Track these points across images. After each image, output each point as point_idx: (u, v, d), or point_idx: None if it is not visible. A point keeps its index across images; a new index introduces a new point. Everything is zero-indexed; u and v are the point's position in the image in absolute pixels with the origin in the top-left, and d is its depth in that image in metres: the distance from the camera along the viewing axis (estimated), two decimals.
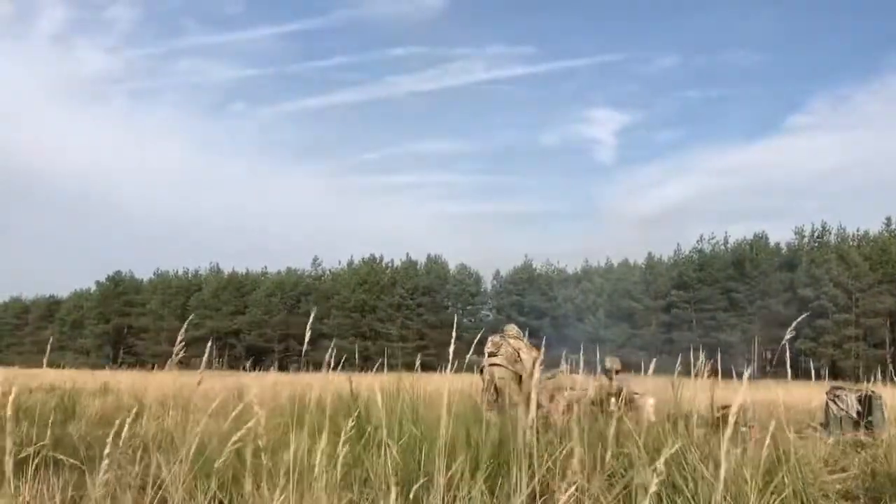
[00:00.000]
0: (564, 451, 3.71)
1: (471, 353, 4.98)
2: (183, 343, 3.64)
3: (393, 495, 2.25)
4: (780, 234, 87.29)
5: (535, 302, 74.73)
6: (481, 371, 8.47)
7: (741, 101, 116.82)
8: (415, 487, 3.30)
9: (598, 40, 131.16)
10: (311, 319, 3.80)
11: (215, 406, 4.17)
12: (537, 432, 4.00)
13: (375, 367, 7.13)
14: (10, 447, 2.44)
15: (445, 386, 3.77)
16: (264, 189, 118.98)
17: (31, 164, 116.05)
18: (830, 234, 69.93)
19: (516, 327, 8.81)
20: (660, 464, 1.68)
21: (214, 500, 3.68)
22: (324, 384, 6.77)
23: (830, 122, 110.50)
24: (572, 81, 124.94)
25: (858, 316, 62.39)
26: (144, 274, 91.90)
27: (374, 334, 74.17)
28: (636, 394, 8.57)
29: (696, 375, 5.48)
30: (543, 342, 5.56)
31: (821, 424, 10.09)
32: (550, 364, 8.75)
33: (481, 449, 3.92)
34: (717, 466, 3.72)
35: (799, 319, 4.00)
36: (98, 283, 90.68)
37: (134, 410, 3.50)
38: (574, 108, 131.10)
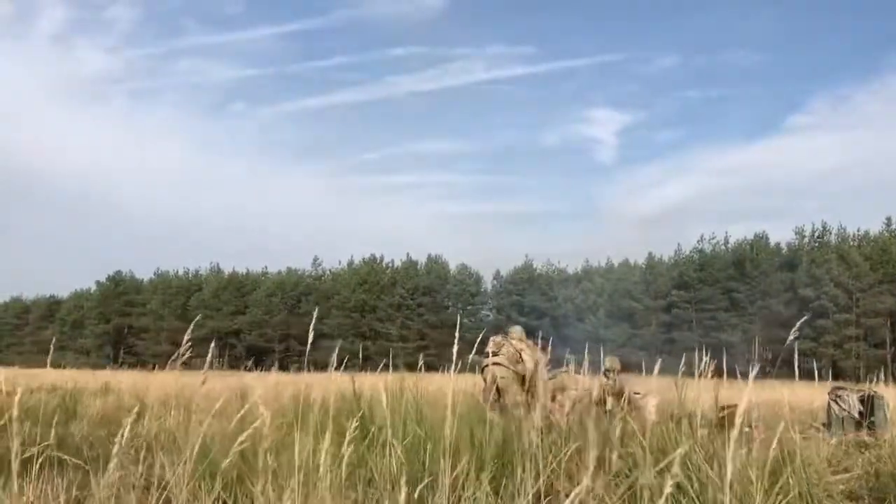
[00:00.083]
0: (569, 452, 3.70)
1: (473, 353, 4.97)
2: (190, 343, 3.64)
3: (403, 496, 2.25)
4: (781, 234, 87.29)
5: (535, 302, 74.74)
6: (482, 371, 8.47)
7: (741, 101, 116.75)
8: (419, 487, 3.30)
9: (599, 40, 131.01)
10: (313, 320, 3.79)
11: (218, 406, 4.16)
12: (541, 432, 4.00)
13: (380, 367, 7.13)
14: (18, 448, 2.43)
15: (450, 386, 3.77)
16: (264, 189, 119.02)
17: (31, 164, 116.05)
18: (831, 234, 70.01)
19: (521, 329, 8.81)
20: (675, 467, 1.67)
21: (218, 501, 3.68)
22: (326, 384, 6.77)
23: (830, 122, 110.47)
24: (572, 81, 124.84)
25: (859, 316, 62.40)
26: (145, 274, 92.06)
27: (374, 334, 74.18)
28: (637, 394, 8.58)
29: (700, 375, 5.47)
30: (550, 343, 5.56)
31: (823, 424, 10.09)
32: (554, 364, 8.75)
33: (485, 449, 3.92)
34: (721, 467, 3.72)
35: (802, 320, 4.00)
36: (98, 283, 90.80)
37: (135, 410, 3.49)
38: (574, 108, 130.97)
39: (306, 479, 3.12)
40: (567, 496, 2.90)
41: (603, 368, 8.79)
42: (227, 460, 2.70)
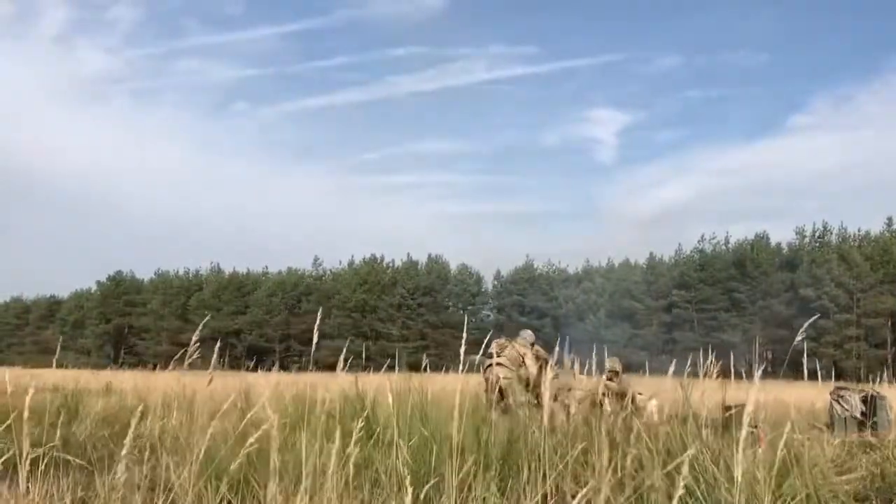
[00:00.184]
0: (575, 454, 3.70)
1: (480, 353, 4.96)
2: (198, 344, 3.63)
3: (409, 498, 2.24)
4: (781, 234, 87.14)
5: (536, 302, 74.73)
6: (484, 371, 8.47)
7: (742, 101, 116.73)
8: (426, 488, 3.29)
9: (599, 40, 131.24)
10: (317, 320, 3.79)
11: (224, 407, 4.16)
12: (546, 433, 3.99)
13: (383, 367, 7.12)
14: (28, 449, 2.43)
15: (457, 387, 3.76)
16: (265, 189, 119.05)
17: (32, 164, 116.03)
18: (831, 234, 70.02)
19: (531, 334, 8.80)
20: (685, 468, 1.66)
21: (224, 502, 3.68)
22: (329, 384, 6.77)
23: (831, 122, 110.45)
24: (573, 81, 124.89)
25: (860, 316, 62.39)
26: (145, 274, 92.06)
27: (374, 334, 74.16)
28: (640, 395, 8.58)
29: (705, 375, 5.47)
30: (557, 346, 5.55)
31: (825, 425, 10.08)
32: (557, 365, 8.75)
33: (491, 449, 3.92)
34: (728, 467, 3.72)
35: (809, 322, 4.00)
36: (99, 282, 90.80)
37: (140, 409, 3.49)
38: (575, 108, 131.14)
39: (313, 480, 3.11)
40: (573, 497, 2.90)
41: (606, 369, 8.78)
42: (237, 462, 2.69)
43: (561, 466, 3.68)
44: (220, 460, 3.60)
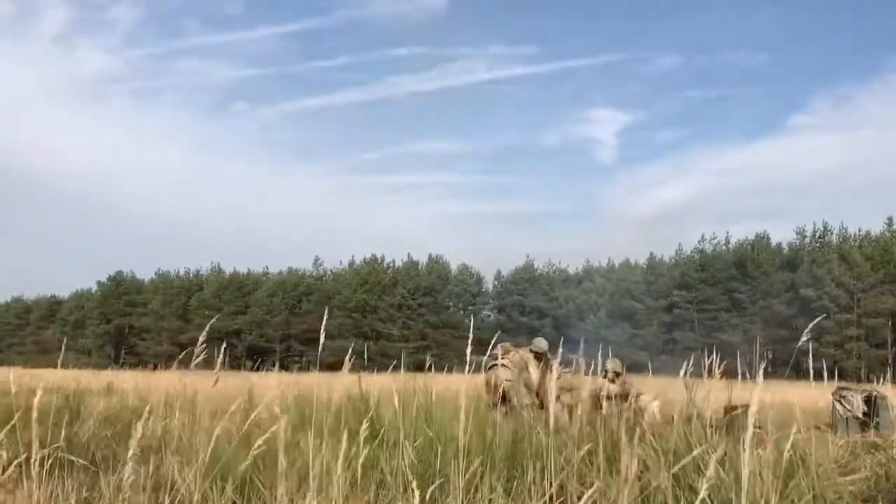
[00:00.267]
0: (581, 454, 3.69)
1: (486, 355, 4.96)
2: (204, 345, 3.63)
3: (417, 500, 2.24)
4: (781, 235, 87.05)
5: (536, 302, 74.71)
6: (487, 371, 8.47)
7: (742, 101, 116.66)
8: (431, 489, 3.29)
9: (599, 40, 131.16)
10: (324, 321, 3.79)
11: (231, 408, 4.16)
12: (550, 434, 3.99)
13: (388, 368, 7.13)
14: (37, 450, 2.43)
15: (461, 387, 3.76)
16: (265, 189, 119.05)
17: (32, 164, 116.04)
18: (832, 234, 69.98)
19: (545, 343, 8.78)
20: (710, 469, 1.66)
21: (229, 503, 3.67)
22: (332, 384, 6.76)
23: (831, 122, 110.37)
24: (573, 81, 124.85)
25: (860, 316, 62.35)
26: (146, 274, 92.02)
27: (375, 334, 74.14)
28: (642, 395, 8.58)
29: (709, 375, 5.46)
30: (561, 347, 5.54)
31: (826, 425, 10.08)
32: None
33: (496, 450, 3.91)
34: (734, 468, 3.72)
35: (814, 323, 4.00)
36: (99, 282, 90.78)
37: (147, 409, 3.49)
38: (575, 108, 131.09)
39: (319, 482, 3.11)
40: (579, 498, 2.90)
41: (609, 370, 8.77)
42: (246, 463, 2.68)
43: (566, 467, 3.68)
44: (225, 461, 3.59)
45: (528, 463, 3.58)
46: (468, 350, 3.77)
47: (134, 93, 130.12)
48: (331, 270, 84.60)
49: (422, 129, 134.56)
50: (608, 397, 7.03)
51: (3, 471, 2.26)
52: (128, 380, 17.12)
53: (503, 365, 8.25)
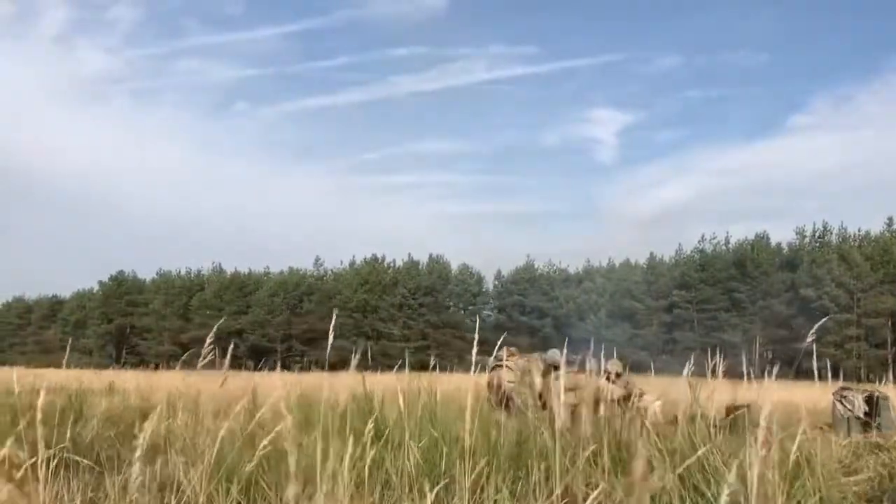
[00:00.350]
0: (586, 454, 3.70)
1: (493, 356, 4.97)
2: (212, 347, 3.64)
3: (428, 500, 2.25)
4: (781, 235, 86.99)
5: (536, 302, 74.72)
6: (490, 371, 8.49)
7: (742, 101, 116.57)
8: (436, 488, 3.29)
9: (599, 40, 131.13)
10: (333, 321, 3.80)
11: (237, 409, 4.16)
12: (555, 435, 4.00)
13: (395, 367, 7.14)
14: (42, 452, 2.43)
15: (465, 387, 3.76)
16: (265, 189, 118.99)
17: (32, 164, 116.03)
18: (832, 234, 69.94)
19: (559, 357, 8.77)
20: (731, 476, 1.66)
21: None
22: (336, 384, 6.75)
23: (831, 122, 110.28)
24: (573, 81, 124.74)
25: (860, 316, 62.35)
26: (147, 274, 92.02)
27: (376, 334, 74.15)
28: (644, 395, 8.59)
29: (713, 374, 5.47)
30: (567, 352, 5.53)
31: (827, 425, 10.08)
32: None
33: (500, 450, 3.92)
34: (738, 468, 3.72)
35: (818, 325, 4.00)
36: (101, 282, 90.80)
37: (158, 409, 3.49)
38: (575, 107, 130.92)
39: (326, 483, 3.11)
40: (585, 499, 2.90)
41: (610, 371, 8.78)
42: (252, 465, 2.69)
43: (571, 468, 3.68)
44: (230, 462, 3.60)
45: (533, 464, 3.58)
46: (474, 351, 3.77)
47: (134, 93, 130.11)
48: (331, 270, 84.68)
49: (422, 129, 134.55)
50: (611, 399, 7.04)
51: (18, 471, 2.27)
52: (129, 380, 17.13)
53: (506, 366, 8.26)
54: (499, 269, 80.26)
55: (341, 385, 6.92)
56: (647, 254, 76.60)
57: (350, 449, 2.81)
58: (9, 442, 1.94)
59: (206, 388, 10.52)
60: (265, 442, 2.67)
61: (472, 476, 3.37)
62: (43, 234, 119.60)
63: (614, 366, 8.96)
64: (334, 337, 4.36)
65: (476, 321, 5.52)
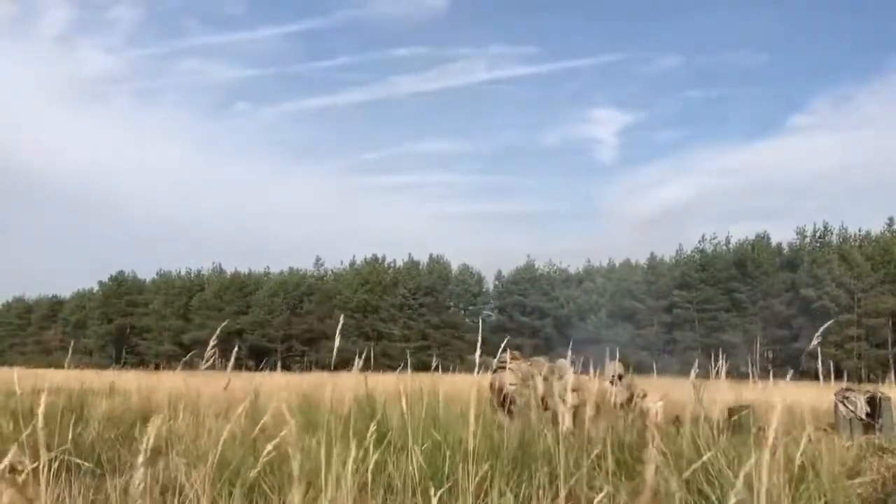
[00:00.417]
0: (591, 457, 3.68)
1: (496, 359, 4.95)
2: (214, 351, 3.62)
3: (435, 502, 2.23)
4: (781, 235, 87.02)
5: (537, 302, 74.68)
6: (493, 372, 8.47)
7: (742, 101, 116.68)
8: (440, 492, 3.28)
9: (599, 40, 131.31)
10: (339, 324, 3.79)
11: (239, 411, 4.14)
12: (558, 439, 3.98)
13: (399, 368, 7.14)
14: (45, 458, 2.41)
15: (468, 389, 3.75)
16: (266, 189, 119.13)
17: (32, 164, 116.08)
18: (832, 234, 69.90)
19: (569, 365, 8.73)
20: (739, 483, 1.65)
21: None
22: (338, 385, 6.74)
23: (831, 122, 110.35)
24: (574, 81, 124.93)
25: (860, 316, 62.31)
26: (147, 274, 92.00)
27: (376, 335, 74.13)
28: (645, 397, 8.58)
29: (716, 375, 5.46)
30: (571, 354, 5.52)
31: (830, 426, 10.06)
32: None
33: (504, 453, 3.90)
34: (740, 466, 3.70)
35: (824, 328, 3.99)
36: (101, 283, 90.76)
37: (166, 413, 3.48)
38: (575, 107, 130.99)
39: (329, 487, 3.10)
40: (589, 503, 2.89)
41: (612, 373, 8.76)
42: (256, 471, 2.67)
43: (575, 472, 3.66)
44: (236, 467, 3.58)
45: (537, 467, 3.57)
46: (477, 353, 3.76)
47: (134, 93, 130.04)
48: (332, 270, 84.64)
49: (422, 129, 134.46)
50: (614, 403, 7.03)
51: (20, 475, 2.25)
52: (130, 380, 17.10)
53: (509, 369, 8.24)
54: (499, 270, 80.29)
55: (343, 386, 6.91)
56: (647, 254, 76.66)
57: (353, 453, 2.80)
58: (11, 451, 1.92)
59: (208, 390, 10.51)
60: (269, 447, 2.65)
61: (476, 480, 3.35)
62: (43, 234, 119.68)
63: (616, 368, 8.95)
64: (334, 337, 4.34)
65: (478, 322, 5.50)
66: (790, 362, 61.39)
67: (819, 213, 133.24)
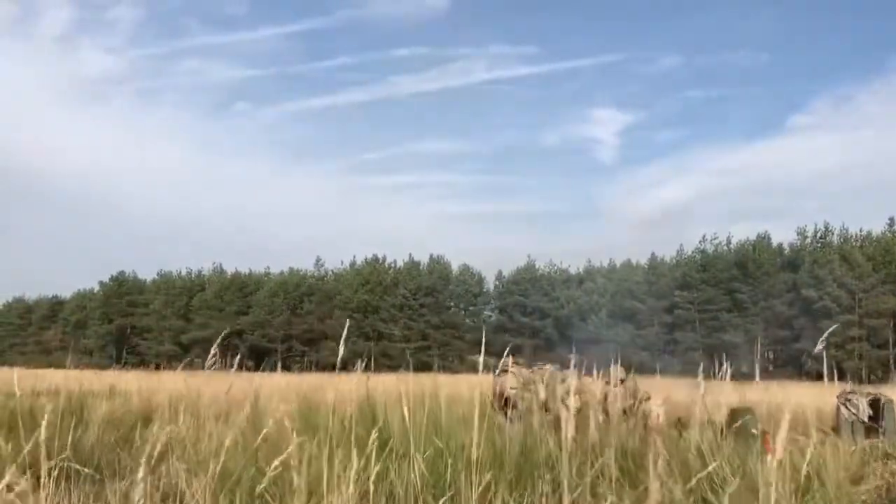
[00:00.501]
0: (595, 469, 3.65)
1: (501, 362, 4.91)
2: (216, 354, 3.59)
3: None
4: (781, 234, 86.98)
5: (537, 302, 74.60)
6: (496, 375, 8.45)
7: (742, 101, 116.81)
8: (442, 500, 3.26)
9: (600, 40, 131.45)
10: (345, 329, 3.76)
11: (230, 410, 4.12)
12: (561, 447, 3.95)
13: (399, 368, 7.10)
14: (46, 465, 2.39)
15: (469, 388, 3.72)
16: (266, 189, 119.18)
17: (32, 164, 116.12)
18: (833, 234, 69.80)
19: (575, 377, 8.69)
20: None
21: None
22: (339, 387, 6.71)
23: (831, 122, 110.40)
24: (574, 81, 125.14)
25: (862, 317, 62.21)
26: (148, 274, 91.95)
27: (377, 335, 74.08)
28: (648, 399, 8.55)
29: (721, 377, 5.43)
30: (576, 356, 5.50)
31: (832, 428, 10.03)
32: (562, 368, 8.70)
33: (506, 459, 3.87)
34: (744, 476, 3.68)
35: (828, 332, 3.96)
36: (101, 283, 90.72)
37: (166, 415, 3.45)
38: (575, 108, 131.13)
39: (331, 494, 3.07)
40: None
41: (616, 378, 8.73)
42: (261, 486, 2.64)
43: (579, 482, 3.63)
44: (235, 477, 3.55)
45: (540, 473, 3.54)
46: (481, 357, 3.73)
47: (134, 93, 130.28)
48: (332, 271, 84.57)
49: (422, 129, 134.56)
50: (615, 405, 7.00)
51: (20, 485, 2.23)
52: (130, 381, 17.05)
53: (511, 373, 8.22)
54: (500, 270, 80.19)
55: (344, 388, 6.87)
56: (648, 254, 76.59)
57: (355, 464, 2.77)
58: (9, 473, 1.89)
59: (208, 390, 10.46)
60: (276, 463, 2.61)
61: (479, 490, 3.33)
62: (43, 234, 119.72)
63: (618, 372, 8.90)
64: (335, 337, 4.31)
65: (482, 324, 5.48)
66: (791, 363, 61.50)
67: (819, 214, 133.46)
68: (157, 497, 3.88)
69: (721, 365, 6.59)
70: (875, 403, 10.13)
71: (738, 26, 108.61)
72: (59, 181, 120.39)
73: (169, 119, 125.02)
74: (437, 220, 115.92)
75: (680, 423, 8.70)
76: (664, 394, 8.86)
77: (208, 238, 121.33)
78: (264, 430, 3.07)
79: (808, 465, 3.08)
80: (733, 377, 6.24)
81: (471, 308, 79.73)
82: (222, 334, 3.87)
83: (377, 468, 2.97)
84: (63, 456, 3.98)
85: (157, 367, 34.46)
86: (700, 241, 73.72)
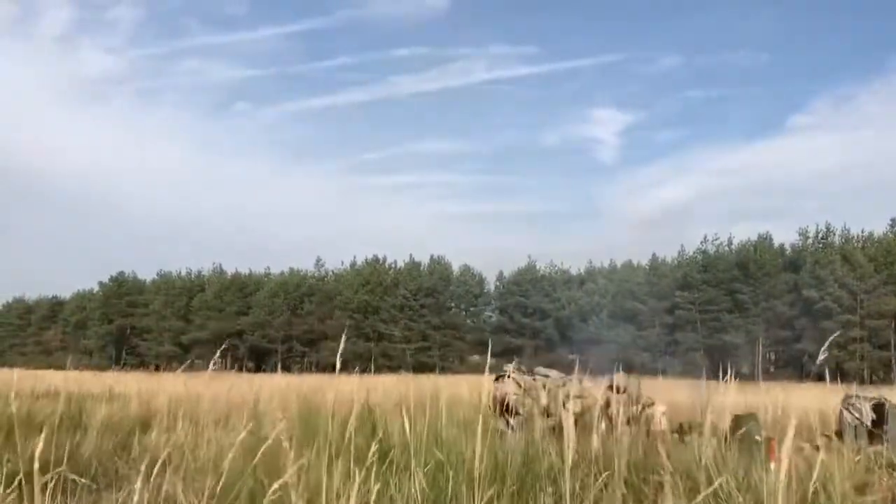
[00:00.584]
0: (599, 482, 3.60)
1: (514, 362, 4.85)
2: (217, 356, 3.54)
3: None
4: (782, 234, 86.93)
5: (538, 303, 74.55)
6: (496, 380, 8.40)
7: (742, 101, 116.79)
8: None
9: (600, 40, 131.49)
10: (345, 330, 3.71)
11: (230, 415, 4.07)
12: (562, 458, 3.90)
13: (398, 369, 7.05)
14: (47, 476, 2.33)
15: (470, 390, 3.66)
16: (266, 189, 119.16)
17: (32, 164, 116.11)
18: (834, 235, 69.74)
19: (580, 384, 8.61)
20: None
21: None
22: (339, 391, 6.65)
23: (831, 123, 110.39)
24: (574, 81, 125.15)
25: (863, 317, 62.14)
26: (147, 274, 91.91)
27: (377, 335, 74.05)
28: (651, 405, 8.49)
29: (724, 381, 5.37)
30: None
31: (835, 433, 9.96)
32: (563, 370, 8.67)
33: (508, 471, 3.82)
34: (748, 488, 3.63)
35: (831, 338, 3.91)
36: (101, 283, 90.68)
37: (165, 421, 3.40)
38: (576, 108, 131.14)
39: None
40: None
41: (618, 386, 8.67)
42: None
43: (584, 496, 3.58)
44: (234, 493, 3.50)
45: (542, 487, 3.49)
46: (487, 360, 3.68)
47: (134, 93, 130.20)
48: (332, 271, 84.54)
49: (422, 129, 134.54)
50: (617, 413, 6.95)
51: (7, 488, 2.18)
52: (130, 383, 16.98)
53: (513, 379, 8.17)
54: (500, 271, 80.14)
55: (345, 389, 6.82)
56: (648, 254, 76.57)
57: (356, 484, 2.71)
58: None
59: (208, 393, 10.42)
60: (275, 486, 2.56)
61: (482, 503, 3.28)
62: (43, 234, 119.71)
63: (620, 379, 8.84)
64: (335, 338, 4.26)
65: (480, 323, 5.42)
66: (792, 363, 61.38)
67: (819, 214, 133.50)
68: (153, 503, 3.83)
69: (722, 366, 6.55)
70: (879, 408, 10.04)
71: (738, 26, 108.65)
72: (59, 181, 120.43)
73: (169, 119, 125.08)
74: (437, 220, 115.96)
75: (682, 429, 8.65)
76: (667, 398, 8.80)
77: (208, 238, 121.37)
78: (263, 447, 3.02)
79: (815, 482, 3.02)
80: (734, 378, 6.18)
81: (471, 309, 79.66)
82: (226, 339, 3.80)
83: (377, 487, 2.92)
84: (59, 470, 3.93)
85: (157, 368, 34.42)
86: (701, 242, 73.74)
